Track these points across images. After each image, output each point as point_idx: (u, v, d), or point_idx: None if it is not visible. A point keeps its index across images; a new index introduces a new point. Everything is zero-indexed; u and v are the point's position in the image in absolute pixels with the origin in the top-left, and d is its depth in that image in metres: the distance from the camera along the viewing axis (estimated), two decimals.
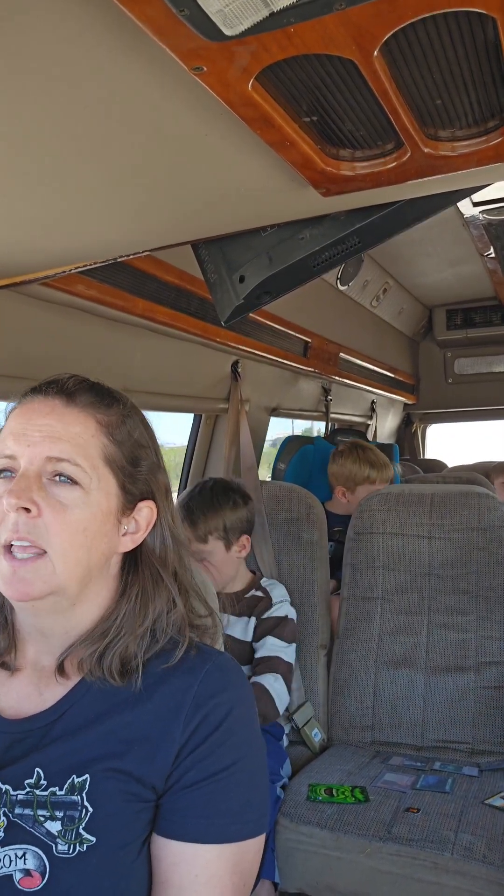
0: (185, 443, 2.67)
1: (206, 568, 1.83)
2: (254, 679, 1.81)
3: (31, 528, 0.82)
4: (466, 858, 1.47)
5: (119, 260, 1.21)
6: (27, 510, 0.82)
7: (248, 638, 1.91)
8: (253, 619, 1.92)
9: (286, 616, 1.92)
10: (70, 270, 1.23)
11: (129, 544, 0.91)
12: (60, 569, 0.83)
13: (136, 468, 0.91)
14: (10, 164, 0.84)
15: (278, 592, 1.97)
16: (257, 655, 1.86)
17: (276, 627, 1.89)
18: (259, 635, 1.89)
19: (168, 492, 0.95)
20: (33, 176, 0.88)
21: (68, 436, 0.86)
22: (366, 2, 0.58)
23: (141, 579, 0.91)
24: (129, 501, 0.90)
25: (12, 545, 0.82)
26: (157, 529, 0.93)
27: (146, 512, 0.91)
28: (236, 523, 1.87)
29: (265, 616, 1.91)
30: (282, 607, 1.93)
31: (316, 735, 1.98)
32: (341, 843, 1.56)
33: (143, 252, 1.20)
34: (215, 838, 0.82)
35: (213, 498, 1.87)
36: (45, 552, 0.83)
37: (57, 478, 0.84)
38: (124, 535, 0.90)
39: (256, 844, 0.85)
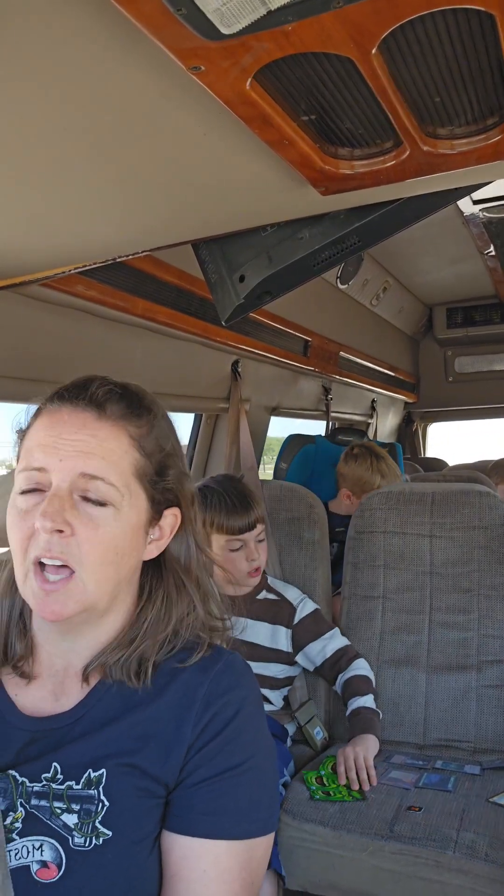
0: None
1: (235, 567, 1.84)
2: (348, 676, 1.86)
3: (64, 547, 0.82)
4: (469, 857, 1.47)
5: (118, 260, 1.21)
6: (60, 531, 0.81)
7: (281, 647, 1.93)
8: (281, 628, 1.93)
9: (314, 610, 1.96)
10: (70, 271, 1.23)
11: (154, 551, 0.91)
12: (91, 587, 0.83)
13: (163, 478, 0.90)
14: (8, 165, 0.84)
15: (293, 593, 1.98)
16: (327, 657, 1.91)
17: (316, 625, 1.94)
18: (304, 641, 1.92)
19: (194, 499, 0.95)
20: (32, 176, 0.88)
21: (102, 452, 0.84)
22: None
23: (165, 585, 0.92)
24: (157, 512, 0.90)
25: (43, 562, 0.82)
26: (182, 536, 0.93)
27: (171, 519, 0.91)
28: None
29: (297, 622, 1.93)
30: (305, 605, 1.96)
31: (318, 733, 1.98)
32: (343, 841, 1.56)
33: (142, 252, 1.20)
34: (224, 835, 0.83)
35: (242, 482, 1.89)
36: (75, 571, 0.82)
37: (90, 496, 0.83)
38: (150, 542, 0.90)
39: (265, 843, 0.86)
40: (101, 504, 0.83)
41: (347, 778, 1.68)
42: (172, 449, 0.92)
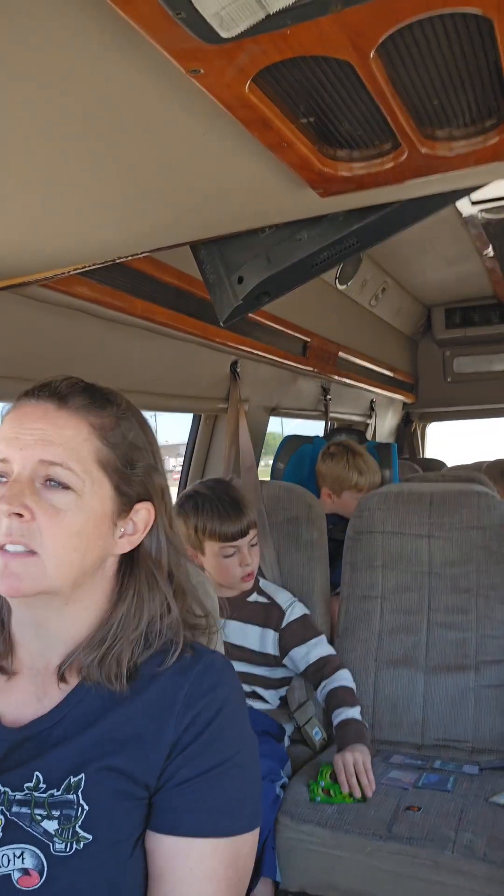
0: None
1: (222, 570, 1.84)
2: (333, 686, 1.84)
3: (25, 531, 0.82)
4: (467, 857, 1.47)
5: (118, 261, 1.21)
6: (20, 515, 0.82)
7: (268, 650, 1.93)
8: (270, 631, 1.92)
9: (303, 615, 1.95)
10: (69, 272, 1.23)
11: (125, 546, 0.91)
12: (52, 571, 0.83)
13: (131, 470, 0.90)
14: (7, 166, 0.85)
15: (283, 596, 1.98)
16: (310, 663, 1.89)
17: (303, 630, 1.92)
18: (290, 646, 1.91)
19: (164, 493, 0.95)
20: (31, 178, 0.88)
21: (60, 439, 0.85)
22: (362, 3, 0.58)
23: (136, 582, 0.91)
24: (125, 504, 0.90)
25: (5, 547, 0.83)
26: (153, 531, 0.93)
27: (143, 513, 0.91)
28: None
29: (284, 626, 1.92)
30: (293, 609, 1.95)
31: (317, 734, 1.99)
32: (342, 841, 1.56)
33: (141, 253, 1.21)
34: (209, 833, 0.83)
35: (236, 492, 1.88)
36: (38, 553, 0.83)
37: (49, 482, 0.84)
38: (121, 536, 0.90)
39: (251, 839, 0.86)
40: (63, 488, 0.84)
41: (349, 784, 1.66)
42: (142, 444, 0.93)
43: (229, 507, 1.80)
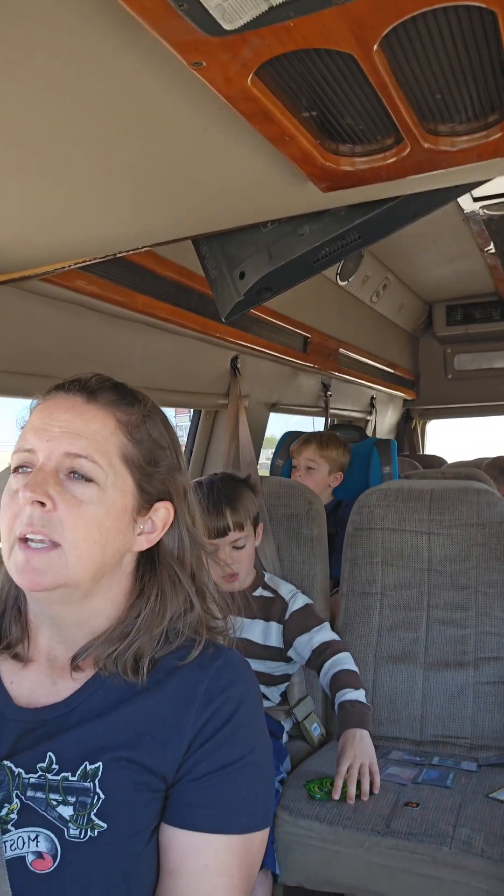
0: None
1: (224, 566, 1.83)
2: (337, 669, 1.83)
3: (46, 521, 0.83)
4: (465, 852, 1.47)
5: (118, 255, 1.21)
6: (42, 504, 0.83)
7: (272, 643, 1.93)
8: (273, 624, 1.92)
9: (306, 604, 1.95)
10: (69, 266, 1.23)
11: (144, 544, 0.91)
12: (73, 562, 0.84)
13: (154, 468, 0.91)
14: (8, 160, 0.84)
15: (286, 588, 1.98)
16: (314, 648, 1.88)
17: (305, 619, 1.92)
18: (293, 635, 1.91)
19: (187, 493, 0.96)
20: (32, 171, 0.88)
21: (87, 432, 0.86)
22: None
23: (159, 580, 0.92)
24: (146, 501, 0.91)
25: (28, 538, 0.83)
26: (175, 530, 0.94)
27: (163, 512, 0.92)
28: (257, 509, 1.88)
29: (288, 616, 1.92)
30: (296, 599, 1.95)
31: (315, 729, 1.99)
32: (340, 836, 1.56)
33: (142, 247, 1.20)
34: (225, 829, 0.84)
35: (238, 485, 1.86)
36: (59, 545, 0.83)
37: (73, 474, 0.85)
38: (140, 534, 0.91)
39: (261, 836, 0.87)
40: (86, 481, 0.85)
41: (352, 787, 1.64)
42: (166, 443, 0.94)
43: (212, 503, 1.79)
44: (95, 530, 0.85)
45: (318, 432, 2.72)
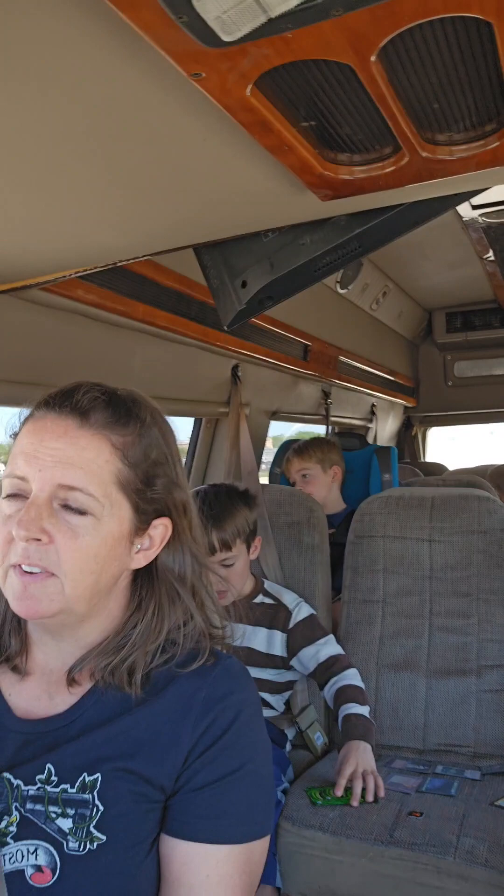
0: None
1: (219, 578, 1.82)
2: (343, 683, 1.82)
3: (43, 554, 0.82)
4: (469, 862, 1.46)
5: (119, 264, 1.22)
6: (38, 540, 0.82)
7: (276, 651, 1.92)
8: (277, 633, 1.92)
9: (310, 615, 1.94)
10: (70, 275, 1.23)
11: (141, 561, 0.90)
12: (69, 591, 0.83)
13: (150, 488, 0.89)
14: (10, 169, 0.85)
15: (289, 597, 1.97)
16: (320, 662, 1.88)
17: (311, 630, 1.91)
18: (298, 646, 1.90)
19: (186, 508, 0.94)
20: (33, 181, 0.89)
21: (81, 461, 0.83)
22: (363, 7, 0.58)
23: (157, 595, 0.91)
24: (143, 521, 0.89)
25: (23, 567, 0.83)
26: (175, 545, 0.93)
27: (161, 529, 0.91)
28: (252, 525, 1.86)
29: (292, 626, 1.92)
30: (300, 609, 1.94)
31: (318, 738, 1.98)
32: (343, 846, 1.55)
33: (142, 256, 1.21)
34: (226, 839, 0.83)
35: (230, 501, 1.84)
36: (55, 574, 0.83)
37: (67, 507, 0.83)
38: (137, 552, 0.90)
39: (262, 845, 0.87)
40: (81, 513, 0.83)
41: (364, 792, 1.63)
42: (164, 458, 0.91)
43: (202, 519, 1.78)
44: (92, 560, 0.84)
45: (297, 442, 2.72)
